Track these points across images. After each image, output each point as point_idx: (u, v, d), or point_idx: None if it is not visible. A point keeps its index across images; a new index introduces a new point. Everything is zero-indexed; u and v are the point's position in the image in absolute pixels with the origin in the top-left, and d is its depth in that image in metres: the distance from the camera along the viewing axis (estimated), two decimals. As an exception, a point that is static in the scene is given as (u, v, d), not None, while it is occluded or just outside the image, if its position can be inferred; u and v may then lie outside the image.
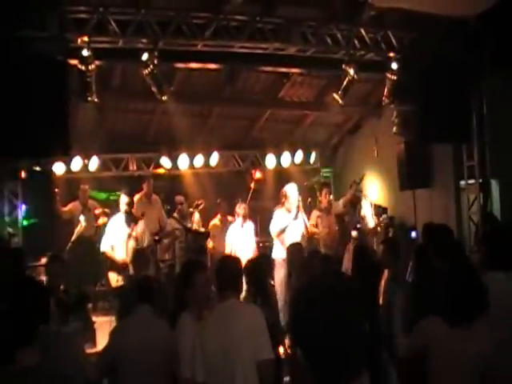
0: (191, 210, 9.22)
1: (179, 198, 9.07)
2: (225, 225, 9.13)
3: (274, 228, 8.32)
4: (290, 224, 8.22)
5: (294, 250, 6.51)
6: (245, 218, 8.72)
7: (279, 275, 7.51)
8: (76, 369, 3.42)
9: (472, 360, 3.08)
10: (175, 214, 9.01)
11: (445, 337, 3.18)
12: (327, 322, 1.63)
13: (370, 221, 8.96)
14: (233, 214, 9.07)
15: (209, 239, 8.77)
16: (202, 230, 9.06)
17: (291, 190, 8.41)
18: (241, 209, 8.75)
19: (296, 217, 8.22)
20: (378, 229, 8.93)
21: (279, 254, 8.04)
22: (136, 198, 9.31)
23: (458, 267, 3.44)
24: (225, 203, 9.44)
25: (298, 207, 8.24)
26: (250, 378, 3.46)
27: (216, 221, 9.42)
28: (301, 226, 8.32)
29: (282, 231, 8.20)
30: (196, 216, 9.18)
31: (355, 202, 9.08)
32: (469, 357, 3.09)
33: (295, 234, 8.17)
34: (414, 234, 9.27)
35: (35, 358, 2.47)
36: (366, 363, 1.72)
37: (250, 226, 8.83)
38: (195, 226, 8.98)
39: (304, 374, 1.65)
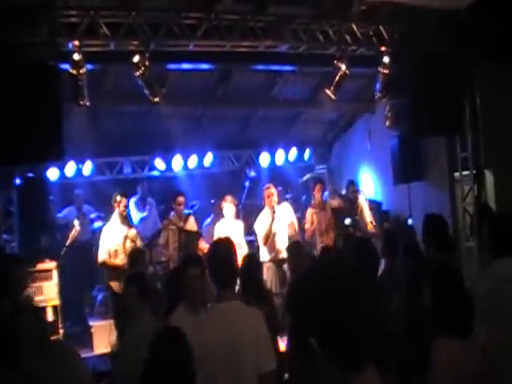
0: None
1: (181, 199, 8.63)
2: None
3: (260, 234, 8.23)
4: (274, 223, 8.12)
5: (296, 251, 6.22)
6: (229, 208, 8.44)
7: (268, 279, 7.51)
8: None
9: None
10: (171, 216, 8.67)
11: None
12: (344, 306, 1.62)
13: (368, 215, 9.06)
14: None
15: (201, 239, 8.48)
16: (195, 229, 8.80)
17: (272, 188, 8.34)
18: (227, 202, 8.51)
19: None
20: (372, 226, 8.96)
21: (265, 256, 8.03)
22: (131, 201, 9.28)
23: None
24: (218, 203, 9.18)
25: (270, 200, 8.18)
26: None
27: (209, 221, 9.32)
28: (285, 220, 8.38)
29: (267, 236, 8.09)
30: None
31: (353, 201, 9.14)
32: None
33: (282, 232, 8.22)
34: (410, 221, 9.27)
35: None
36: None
37: (238, 224, 8.59)
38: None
39: (318, 364, 1.64)
